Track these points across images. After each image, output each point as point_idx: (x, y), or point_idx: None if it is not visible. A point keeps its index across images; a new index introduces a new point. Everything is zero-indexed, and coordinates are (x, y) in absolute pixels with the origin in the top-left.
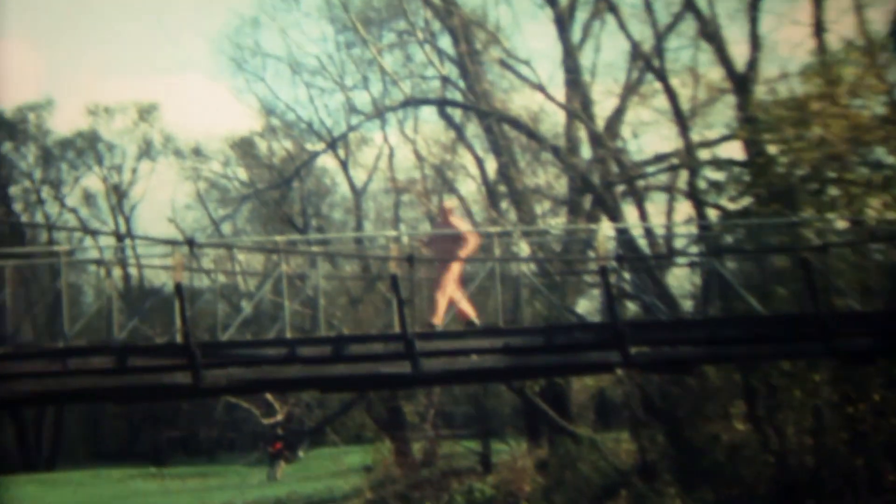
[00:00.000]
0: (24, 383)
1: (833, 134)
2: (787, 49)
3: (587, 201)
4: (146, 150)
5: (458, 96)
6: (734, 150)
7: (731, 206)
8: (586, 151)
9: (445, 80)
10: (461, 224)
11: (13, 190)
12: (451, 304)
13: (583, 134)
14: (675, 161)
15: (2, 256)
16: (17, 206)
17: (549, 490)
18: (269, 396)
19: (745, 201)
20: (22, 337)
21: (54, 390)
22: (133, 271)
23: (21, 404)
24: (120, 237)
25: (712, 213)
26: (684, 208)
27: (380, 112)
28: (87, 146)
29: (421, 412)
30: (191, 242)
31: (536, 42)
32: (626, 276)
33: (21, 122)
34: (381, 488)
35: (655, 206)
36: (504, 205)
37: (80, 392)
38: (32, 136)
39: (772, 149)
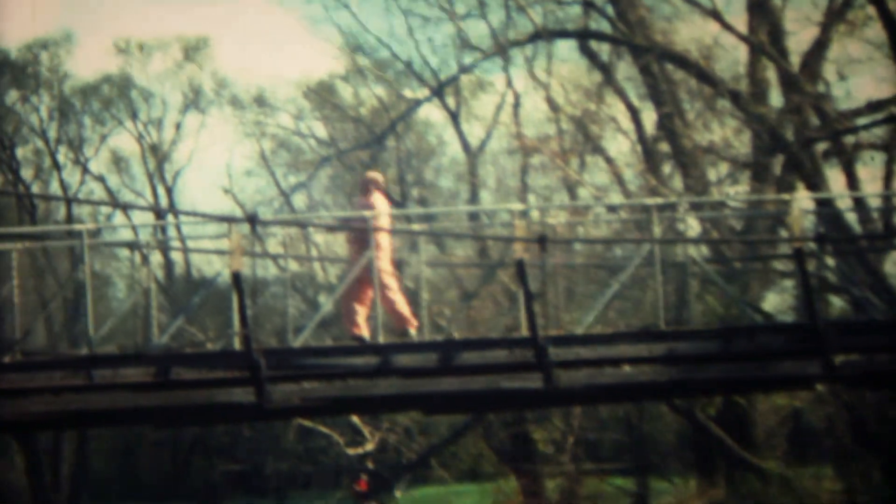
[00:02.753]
0: (36, 401)
1: None
2: None
3: (777, 164)
4: (194, 100)
5: (605, 27)
6: None
7: None
8: (776, 98)
9: (588, 5)
10: (381, 204)
11: (21, 152)
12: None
13: (772, 75)
14: (894, 110)
15: (7, 238)
16: (27, 173)
17: None
18: (355, 419)
19: None
20: (34, 341)
21: (76, 410)
22: (177, 257)
23: (33, 428)
24: (160, 213)
25: None
26: None
27: (502, 48)
28: (116, 94)
29: (556, 440)
30: (253, 220)
31: None
32: (830, 261)
33: (31, 64)
34: None
35: (868, 169)
36: (666, 168)
37: (110, 413)
38: (46, 81)
39: None
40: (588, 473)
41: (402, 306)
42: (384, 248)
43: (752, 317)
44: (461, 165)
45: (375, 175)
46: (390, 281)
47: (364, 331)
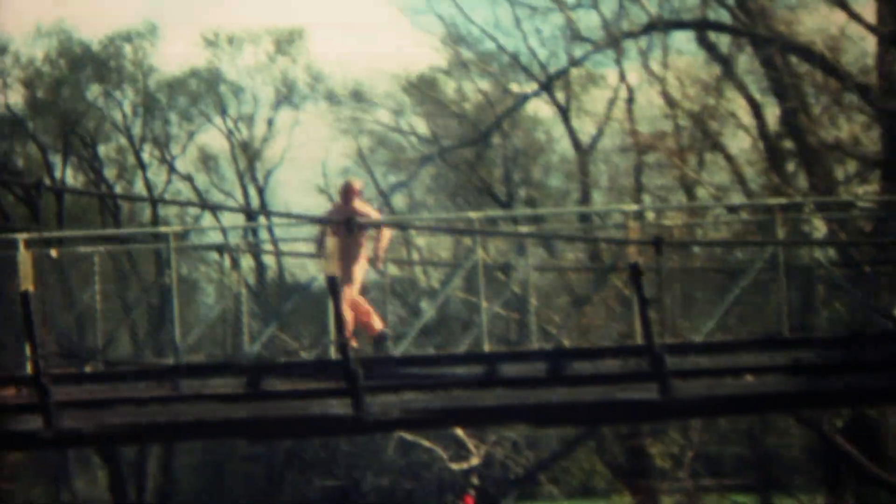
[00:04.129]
0: (120, 413)
1: None
2: None
3: None
4: (287, 95)
5: (724, 17)
6: None
7: None
8: None
9: None
10: (368, 210)
11: (104, 150)
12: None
13: None
14: None
15: (89, 241)
16: (110, 173)
17: None
18: (460, 433)
19: None
20: (117, 350)
21: (161, 423)
22: (269, 261)
23: (117, 441)
24: (251, 214)
25: None
26: None
27: (614, 40)
28: (204, 89)
29: (674, 454)
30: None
31: None
32: None
33: (114, 58)
34: None
35: None
36: (790, 166)
37: (197, 425)
38: (129, 76)
39: None
40: (708, 490)
41: (365, 306)
42: (363, 256)
43: (883, 323)
44: (571, 164)
45: (359, 184)
46: (358, 281)
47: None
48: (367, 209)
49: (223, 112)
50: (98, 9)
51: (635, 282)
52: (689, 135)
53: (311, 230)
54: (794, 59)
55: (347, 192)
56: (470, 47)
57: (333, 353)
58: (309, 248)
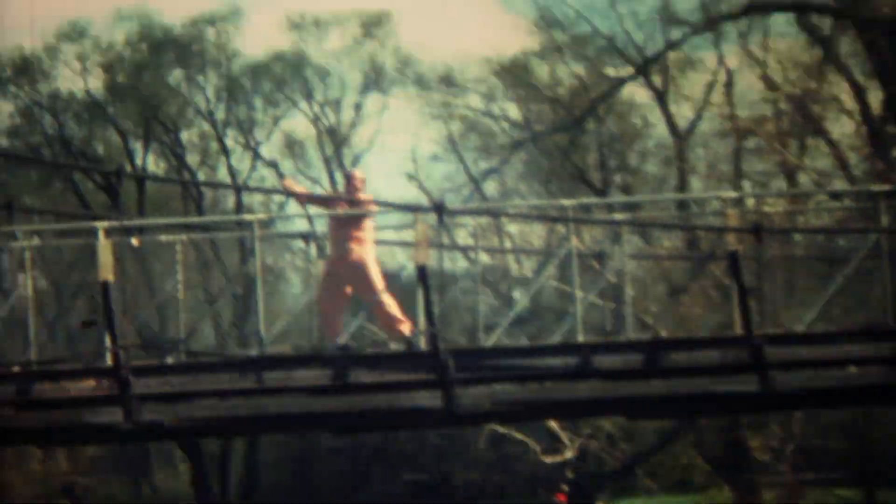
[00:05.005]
0: (202, 406)
1: None
2: None
3: None
4: (374, 79)
5: None
6: None
7: None
8: None
9: None
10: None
11: (186, 136)
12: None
13: None
14: None
15: (172, 229)
16: (192, 159)
17: None
18: (553, 425)
19: None
20: (200, 341)
21: (245, 416)
22: None
23: (199, 434)
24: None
25: None
26: None
27: (713, 22)
28: (289, 73)
29: (775, 448)
30: (440, 208)
31: None
32: None
33: (197, 42)
34: None
35: None
36: (895, 152)
37: (282, 418)
38: (212, 60)
39: None
40: (810, 484)
41: (394, 308)
42: (371, 246)
43: None
44: (668, 149)
45: (358, 171)
46: (380, 281)
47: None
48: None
49: (309, 97)
50: None
51: (734, 270)
52: (790, 119)
53: (402, 218)
54: None
55: (351, 185)
56: (564, 30)
57: (423, 344)
58: (397, 235)
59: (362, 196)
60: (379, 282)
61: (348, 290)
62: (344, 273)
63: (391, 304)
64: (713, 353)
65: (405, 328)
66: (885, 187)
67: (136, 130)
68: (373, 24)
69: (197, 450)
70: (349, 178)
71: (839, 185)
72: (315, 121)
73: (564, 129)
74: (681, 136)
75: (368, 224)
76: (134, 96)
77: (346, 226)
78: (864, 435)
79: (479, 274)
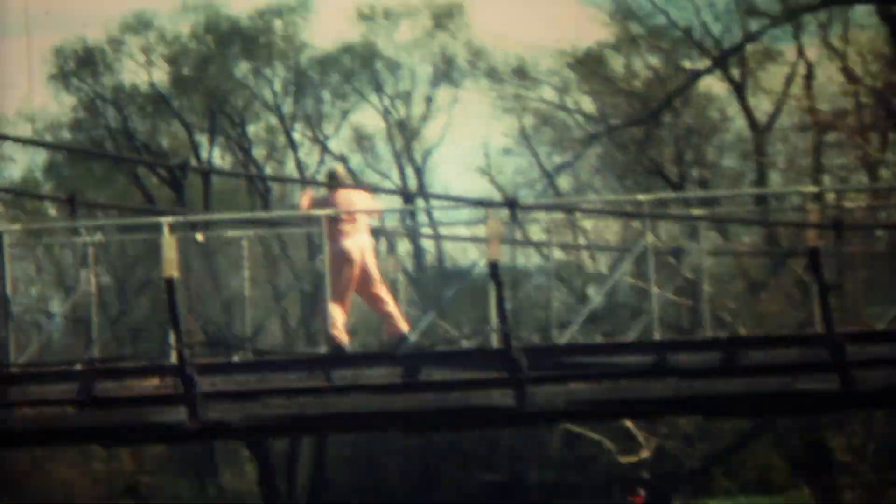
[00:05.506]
0: (269, 405)
1: None
2: None
3: None
4: (446, 72)
5: None
6: None
7: None
8: None
9: None
10: (363, 196)
11: (253, 129)
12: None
13: None
14: None
15: (238, 224)
16: (259, 153)
17: None
18: (628, 424)
19: None
20: (267, 339)
21: (313, 414)
22: (428, 245)
23: (266, 434)
24: (408, 197)
25: None
26: None
27: (792, 14)
28: (359, 66)
29: (856, 447)
30: (512, 203)
31: None
32: None
33: (264, 33)
34: None
35: None
36: None
37: (351, 417)
38: (280, 52)
39: None
40: (892, 485)
41: (391, 305)
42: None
43: None
44: (747, 143)
45: (339, 167)
46: (378, 275)
47: (344, 336)
48: (363, 195)
49: (378, 89)
50: None
51: (814, 267)
52: (872, 112)
53: (474, 214)
54: None
55: (333, 180)
56: (639, 22)
57: (495, 342)
58: (469, 231)
59: (350, 190)
60: (378, 275)
61: (352, 287)
62: (345, 269)
63: (390, 301)
64: (793, 351)
65: (403, 326)
66: None
67: (201, 124)
68: (444, 16)
69: (264, 449)
70: (332, 176)
71: None
72: (385, 114)
73: (640, 123)
74: (759, 130)
75: (363, 217)
76: (199, 89)
77: (343, 221)
78: None
79: (552, 270)
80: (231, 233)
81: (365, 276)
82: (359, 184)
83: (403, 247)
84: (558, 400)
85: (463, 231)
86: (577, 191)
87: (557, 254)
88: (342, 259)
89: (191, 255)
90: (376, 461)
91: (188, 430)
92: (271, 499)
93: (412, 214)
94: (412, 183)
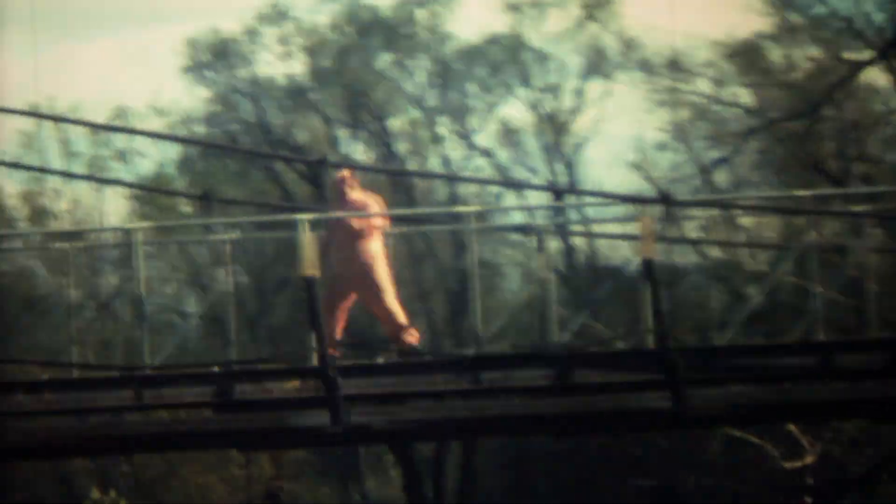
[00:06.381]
0: (414, 408)
1: None
2: None
3: None
4: (597, 64)
5: None
6: None
7: None
8: None
9: None
10: (369, 201)
11: (395, 123)
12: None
13: None
14: None
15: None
16: (401, 147)
17: None
18: (792, 428)
19: None
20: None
21: (460, 418)
22: (579, 243)
23: (412, 438)
24: (558, 192)
25: None
26: None
27: None
28: (506, 58)
29: None
30: (666, 200)
31: None
32: None
33: (406, 24)
34: None
35: None
36: None
37: (500, 421)
38: (423, 44)
39: None
40: None
41: (400, 315)
42: (379, 250)
43: None
44: None
45: (344, 172)
46: (388, 285)
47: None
48: (369, 199)
49: (526, 82)
50: None
51: None
52: None
53: (627, 210)
54: None
55: (339, 186)
56: (799, 11)
57: (650, 342)
58: (621, 228)
59: (357, 195)
60: (386, 285)
61: (352, 295)
62: (348, 277)
63: (397, 311)
64: None
65: (411, 337)
66: None
67: (340, 117)
68: (595, 5)
69: (409, 454)
70: (340, 182)
71: None
72: (534, 107)
73: (800, 116)
74: None
75: (372, 224)
76: (339, 81)
77: (347, 228)
78: None
79: (709, 268)
80: None
81: (369, 286)
82: (370, 190)
83: (554, 244)
84: (717, 403)
85: (615, 228)
86: (734, 187)
87: (715, 251)
88: (342, 268)
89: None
90: (527, 466)
91: (330, 434)
92: (417, 500)
93: (562, 211)
94: (562, 178)
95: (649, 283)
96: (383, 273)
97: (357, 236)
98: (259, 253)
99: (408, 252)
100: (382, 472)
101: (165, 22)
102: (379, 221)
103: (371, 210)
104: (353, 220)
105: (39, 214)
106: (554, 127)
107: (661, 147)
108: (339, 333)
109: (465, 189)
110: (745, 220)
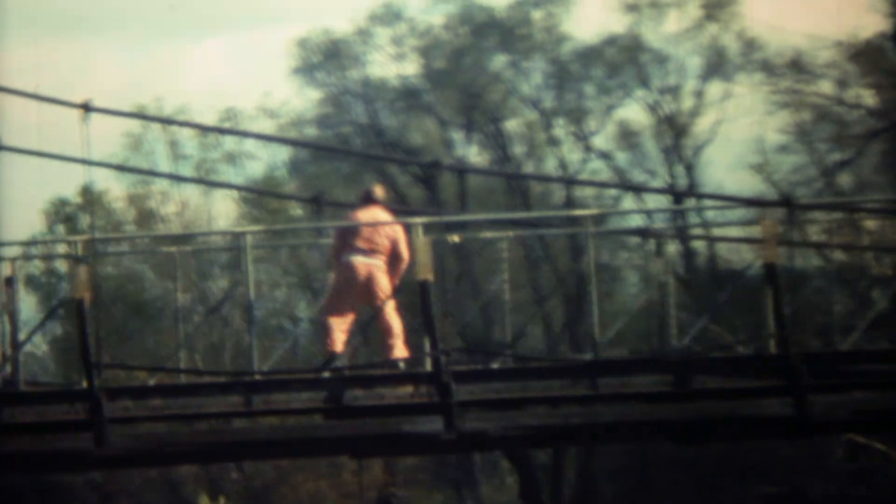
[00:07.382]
0: (530, 414)
1: None
2: None
3: None
4: (717, 65)
5: None
6: None
7: None
8: None
9: None
10: (388, 219)
11: (511, 125)
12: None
13: None
14: None
15: (494, 225)
16: (517, 149)
17: None
18: None
19: None
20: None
21: (578, 425)
22: (699, 246)
23: (528, 444)
24: (678, 195)
25: None
26: None
27: None
28: (624, 59)
29: None
30: (789, 203)
31: None
32: None
33: (522, 25)
34: None
35: None
36: None
37: (619, 427)
38: (539, 45)
39: None
40: None
41: (397, 329)
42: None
43: None
44: None
45: (378, 188)
46: (389, 298)
47: (339, 346)
48: (388, 219)
49: (645, 84)
50: None
51: None
52: None
53: (748, 213)
54: None
55: (366, 200)
56: None
57: (773, 348)
58: (742, 231)
59: (382, 213)
60: (387, 297)
61: (354, 302)
62: (353, 286)
63: (396, 326)
64: None
65: (399, 352)
66: None
67: (455, 119)
68: (715, 5)
69: (526, 460)
70: (368, 194)
71: None
72: (653, 108)
73: None
74: None
75: (383, 236)
76: (453, 83)
77: (355, 236)
78: None
79: (833, 272)
80: (488, 234)
81: (371, 297)
82: (392, 207)
83: (673, 248)
84: (841, 410)
85: (736, 231)
86: (857, 189)
87: (838, 255)
88: (347, 272)
89: (446, 258)
90: (647, 472)
91: (444, 440)
92: None
93: (682, 214)
94: (682, 181)
95: (771, 288)
96: (385, 286)
97: (364, 245)
98: None
99: (524, 256)
100: (498, 478)
101: (276, 23)
102: (387, 243)
103: (380, 228)
104: (368, 231)
105: (147, 218)
106: (673, 129)
107: (783, 149)
108: (341, 340)
109: (583, 192)
110: (869, 223)
